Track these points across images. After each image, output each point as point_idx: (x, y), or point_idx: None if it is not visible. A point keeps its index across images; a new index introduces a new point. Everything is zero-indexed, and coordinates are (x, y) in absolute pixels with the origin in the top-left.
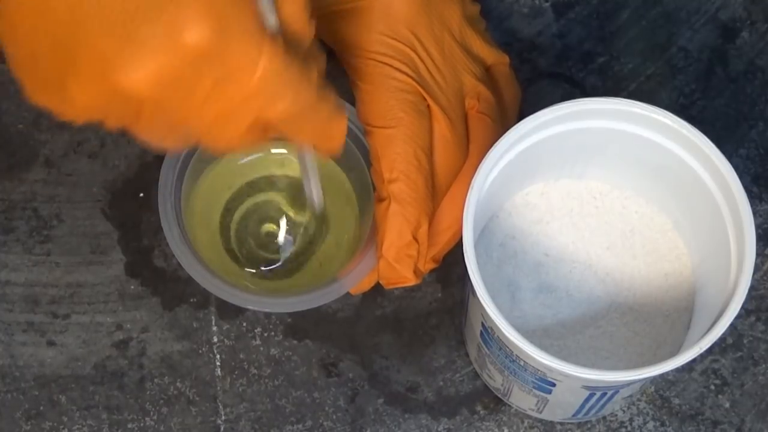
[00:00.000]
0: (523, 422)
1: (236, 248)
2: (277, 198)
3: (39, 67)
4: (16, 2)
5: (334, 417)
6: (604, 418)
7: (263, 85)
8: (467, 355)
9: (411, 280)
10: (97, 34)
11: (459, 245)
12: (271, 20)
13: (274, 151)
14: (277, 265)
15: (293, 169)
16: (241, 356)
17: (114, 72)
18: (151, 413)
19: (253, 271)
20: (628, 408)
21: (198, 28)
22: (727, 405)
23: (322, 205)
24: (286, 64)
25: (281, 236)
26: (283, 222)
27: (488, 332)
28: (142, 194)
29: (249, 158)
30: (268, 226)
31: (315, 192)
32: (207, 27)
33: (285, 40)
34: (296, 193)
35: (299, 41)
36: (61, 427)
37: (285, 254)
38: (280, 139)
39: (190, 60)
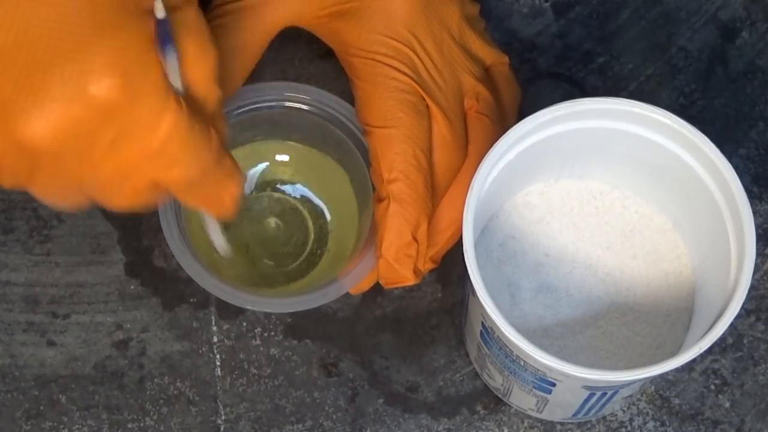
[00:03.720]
0: (523, 422)
1: (236, 248)
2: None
3: None
4: None
5: (334, 417)
6: (604, 418)
7: (164, 146)
8: (467, 355)
9: (410, 280)
10: (1, 81)
11: (459, 245)
12: (176, 82)
13: (277, 158)
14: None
15: (292, 174)
16: (241, 356)
17: (14, 121)
18: (151, 413)
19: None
20: (628, 408)
21: (104, 80)
22: (727, 405)
23: (226, 250)
24: (188, 127)
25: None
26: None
27: (488, 332)
28: None
29: (253, 170)
30: (269, 227)
31: (217, 241)
32: (113, 80)
33: (189, 103)
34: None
35: (203, 105)
36: (61, 427)
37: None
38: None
39: (93, 113)
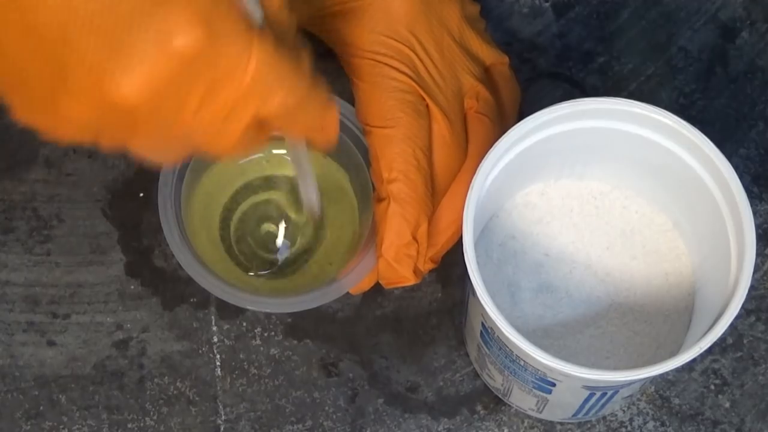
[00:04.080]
0: (523, 422)
1: (236, 248)
2: (277, 197)
3: (28, 86)
4: (2, 22)
5: (334, 417)
6: (604, 418)
7: (257, 82)
8: (467, 355)
9: (410, 280)
10: (87, 47)
11: (459, 245)
12: (258, 16)
13: (275, 151)
14: (275, 268)
15: (292, 174)
16: (241, 356)
17: (106, 83)
18: (151, 413)
19: (252, 273)
20: (628, 408)
21: (187, 32)
22: (727, 405)
23: (319, 206)
24: (276, 57)
25: (280, 239)
26: (282, 225)
27: (488, 332)
28: (142, 194)
29: (249, 159)
30: (268, 226)
31: (312, 194)
32: (196, 31)
33: (273, 33)
34: (296, 193)
35: (285, 33)
36: (61, 427)
37: (282, 256)
38: (278, 139)
39: (182, 65)
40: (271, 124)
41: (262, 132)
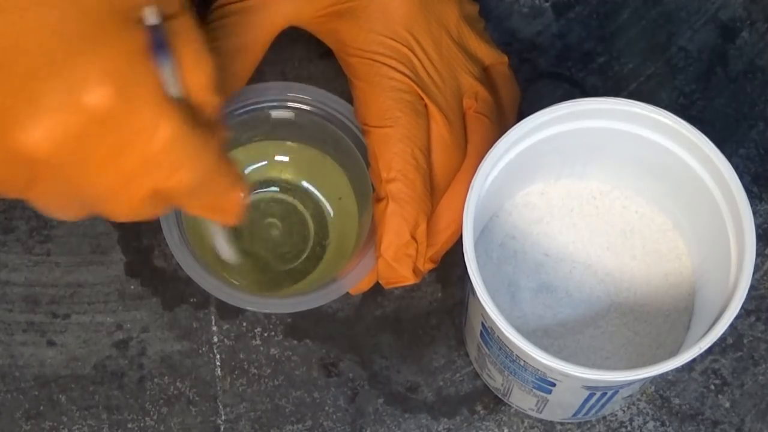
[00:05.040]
0: (523, 422)
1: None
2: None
3: None
4: None
5: (334, 417)
6: (604, 418)
7: (163, 153)
8: (467, 355)
9: (410, 280)
10: None
11: (459, 245)
12: (174, 90)
13: (277, 158)
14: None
15: (292, 174)
16: (241, 356)
17: (10, 131)
18: (151, 413)
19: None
20: (628, 408)
21: (99, 89)
22: (727, 405)
23: (232, 258)
24: (186, 133)
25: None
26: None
27: (488, 332)
28: None
29: (253, 170)
30: (270, 225)
31: (222, 249)
32: (107, 89)
33: (188, 109)
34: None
35: (203, 110)
36: (61, 427)
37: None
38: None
39: (89, 122)
40: (172, 197)
41: (162, 203)
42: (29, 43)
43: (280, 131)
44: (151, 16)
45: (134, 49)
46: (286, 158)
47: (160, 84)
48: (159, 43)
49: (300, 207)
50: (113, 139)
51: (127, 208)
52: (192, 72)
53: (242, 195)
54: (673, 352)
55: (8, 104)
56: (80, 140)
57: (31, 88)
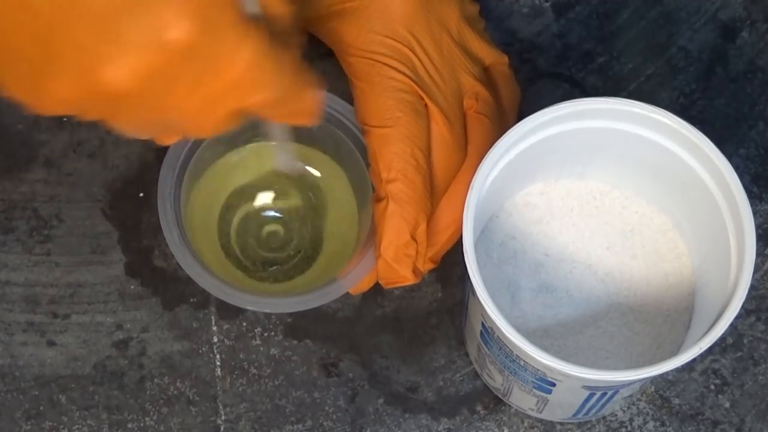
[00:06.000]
0: (523, 422)
1: (236, 248)
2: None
3: (17, 61)
4: None
5: (334, 417)
6: (604, 418)
7: (245, 76)
8: (467, 355)
9: (410, 280)
10: (80, 30)
11: (459, 245)
12: (252, 8)
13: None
14: (277, 267)
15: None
16: (241, 356)
17: (96, 68)
18: (151, 413)
19: (252, 269)
20: (628, 408)
21: (181, 25)
22: (727, 405)
23: (299, 167)
24: (266, 52)
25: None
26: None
27: (488, 332)
28: (142, 194)
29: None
30: (269, 227)
31: (283, 161)
32: (190, 24)
33: (266, 23)
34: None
35: (279, 24)
36: (61, 427)
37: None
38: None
39: (172, 57)
40: (254, 111)
41: (244, 116)
42: None
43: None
44: None
45: None
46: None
47: (238, 8)
48: None
49: (300, 207)
50: (196, 69)
51: (211, 127)
52: None
53: (319, 96)
54: (673, 352)
55: (94, 42)
56: (164, 74)
57: (113, 27)
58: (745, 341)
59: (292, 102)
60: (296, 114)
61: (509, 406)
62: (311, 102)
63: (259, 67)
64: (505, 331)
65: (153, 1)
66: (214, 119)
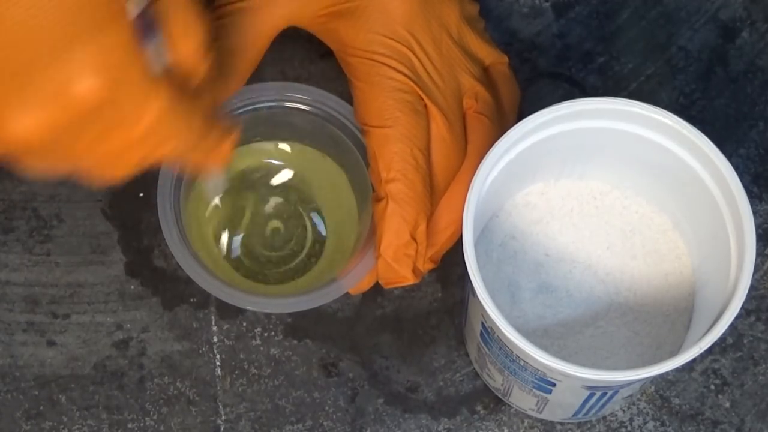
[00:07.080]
0: (523, 422)
1: (237, 249)
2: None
3: None
4: None
5: (334, 417)
6: (604, 418)
7: (152, 131)
8: (467, 355)
9: (410, 280)
10: None
11: (459, 245)
12: (160, 64)
13: (277, 158)
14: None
15: (291, 174)
16: (241, 356)
17: (2, 118)
18: (151, 413)
19: (253, 269)
20: (628, 408)
21: (87, 80)
22: (727, 405)
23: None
24: (174, 108)
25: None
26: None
27: (488, 332)
28: (141, 194)
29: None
30: (270, 225)
31: (212, 186)
32: (96, 79)
33: (176, 78)
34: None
35: (192, 76)
36: (61, 427)
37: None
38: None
39: (79, 111)
40: (161, 161)
41: (151, 164)
42: (20, 33)
43: (279, 131)
44: (133, 10)
45: (124, 35)
46: (285, 159)
47: (146, 66)
48: (147, 25)
49: (299, 207)
50: (102, 124)
51: (121, 174)
52: (181, 41)
53: (230, 148)
54: (673, 352)
55: (0, 92)
56: (70, 127)
57: (22, 78)
58: (745, 341)
59: (202, 150)
60: (204, 164)
61: (509, 406)
62: (223, 149)
63: (164, 124)
64: (505, 331)
65: (60, 55)
66: (124, 167)
